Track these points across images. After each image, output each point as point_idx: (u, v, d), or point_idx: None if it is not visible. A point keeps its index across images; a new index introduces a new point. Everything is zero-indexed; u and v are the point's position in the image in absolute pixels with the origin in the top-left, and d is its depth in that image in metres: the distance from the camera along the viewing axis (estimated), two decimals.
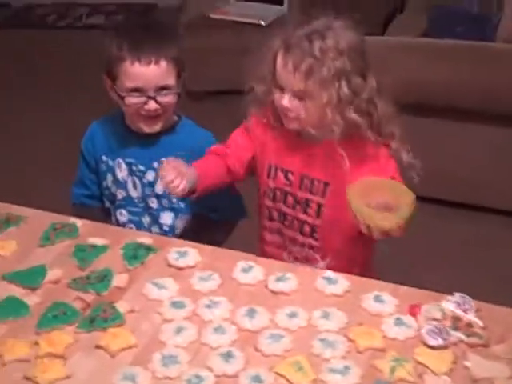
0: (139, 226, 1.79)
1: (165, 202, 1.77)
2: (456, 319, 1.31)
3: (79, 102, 3.72)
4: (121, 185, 1.79)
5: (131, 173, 1.77)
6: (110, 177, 1.80)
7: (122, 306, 1.35)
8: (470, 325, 1.29)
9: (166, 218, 1.79)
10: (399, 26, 3.43)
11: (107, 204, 1.85)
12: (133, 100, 1.66)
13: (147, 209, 1.79)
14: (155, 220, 1.79)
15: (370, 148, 1.55)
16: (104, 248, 1.52)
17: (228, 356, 1.23)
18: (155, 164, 1.73)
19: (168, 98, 1.67)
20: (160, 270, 1.47)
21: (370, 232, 1.42)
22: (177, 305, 1.36)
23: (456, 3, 3.13)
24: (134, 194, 1.78)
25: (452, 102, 2.66)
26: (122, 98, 1.66)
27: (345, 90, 1.48)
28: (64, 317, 1.33)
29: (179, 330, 1.29)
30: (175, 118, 1.79)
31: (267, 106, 1.61)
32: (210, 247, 1.54)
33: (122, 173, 1.78)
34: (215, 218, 1.80)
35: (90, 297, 1.39)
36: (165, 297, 1.38)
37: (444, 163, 2.77)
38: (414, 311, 1.34)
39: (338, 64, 1.46)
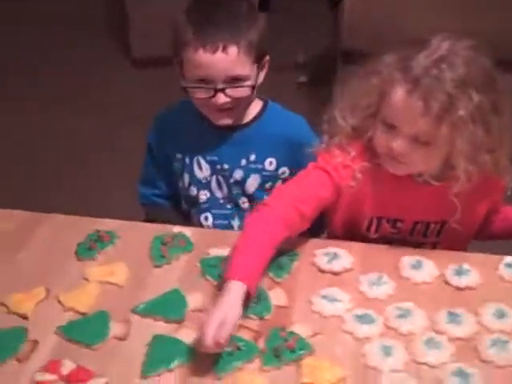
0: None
1: (257, 201, 1.46)
2: None
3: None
4: (203, 185, 1.51)
5: (214, 171, 1.49)
6: (187, 177, 1.52)
7: (300, 330, 1.12)
8: None
9: None
10: None
11: (184, 206, 1.57)
12: (198, 93, 1.37)
13: (237, 210, 1.52)
14: None
15: (487, 183, 1.28)
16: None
17: (463, 375, 1.04)
18: (243, 161, 1.47)
19: (240, 91, 1.37)
20: (313, 277, 1.24)
21: None
22: (362, 319, 1.14)
23: None
24: (219, 194, 1.52)
25: None
26: (183, 87, 1.38)
27: (479, 132, 1.18)
28: (241, 353, 1.08)
29: (387, 351, 1.08)
30: (260, 103, 1.50)
31: (356, 143, 1.29)
32: (359, 244, 1.32)
33: (203, 172, 1.50)
34: None
35: (253, 323, 1.15)
36: (342, 311, 1.17)
37: None
38: None
39: (475, 102, 1.16)
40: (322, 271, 1.26)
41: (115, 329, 1.13)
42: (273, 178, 1.48)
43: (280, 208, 1.23)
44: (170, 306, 1.16)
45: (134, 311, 1.16)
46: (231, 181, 1.49)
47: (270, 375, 1.05)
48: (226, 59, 1.32)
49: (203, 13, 1.36)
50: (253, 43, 1.34)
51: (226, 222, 1.52)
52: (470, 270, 1.24)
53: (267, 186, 1.49)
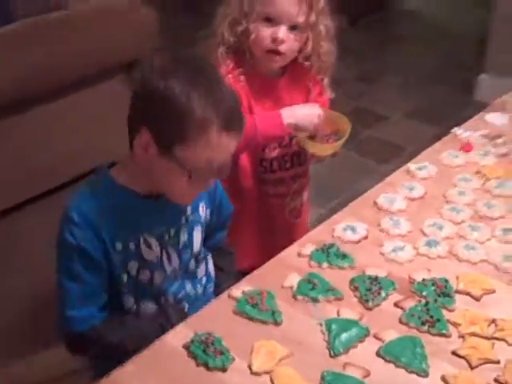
0: (188, 299, 1.42)
1: (199, 256, 1.45)
2: None
3: None
4: (155, 266, 1.34)
5: (164, 245, 1.35)
6: (134, 265, 1.32)
7: (425, 276, 1.32)
8: None
9: (201, 271, 1.46)
10: None
11: (130, 302, 1.35)
12: (201, 175, 1.24)
13: (186, 275, 1.42)
14: (195, 280, 1.45)
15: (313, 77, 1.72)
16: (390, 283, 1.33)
17: None
18: (183, 219, 1.38)
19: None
20: (365, 251, 1.41)
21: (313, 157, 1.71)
22: (431, 243, 1.41)
23: None
24: (169, 268, 1.37)
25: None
26: (189, 170, 1.21)
27: (328, 21, 1.62)
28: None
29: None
30: None
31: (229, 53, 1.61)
32: (342, 213, 1.54)
33: (154, 251, 1.33)
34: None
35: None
36: (411, 253, 1.41)
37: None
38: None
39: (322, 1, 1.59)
40: (358, 241, 1.43)
41: None
42: (205, 224, 1.44)
43: None
44: None
45: None
46: (180, 247, 1.38)
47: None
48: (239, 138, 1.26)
49: (205, 87, 1.19)
50: None
51: (182, 293, 1.41)
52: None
53: (204, 235, 1.44)
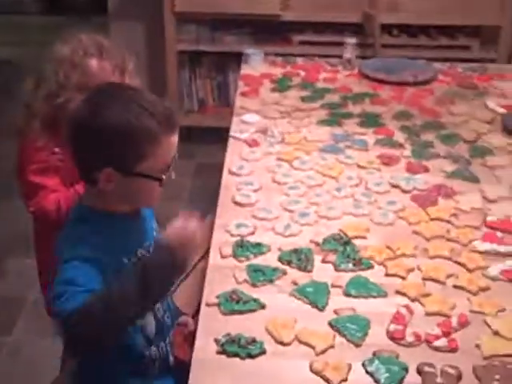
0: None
1: None
2: None
3: None
4: None
5: None
6: None
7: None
8: None
9: None
10: None
11: None
12: (168, 174, 1.36)
13: None
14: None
15: None
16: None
17: None
18: (154, 233, 1.50)
19: None
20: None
21: None
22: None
23: None
24: None
25: None
26: (160, 179, 1.34)
27: (138, 80, 1.82)
28: None
29: None
30: None
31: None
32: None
33: None
34: None
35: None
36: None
37: None
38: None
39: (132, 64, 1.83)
40: (253, 232, 1.69)
41: None
42: None
43: None
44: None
45: None
46: None
47: None
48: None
49: (134, 105, 1.31)
50: None
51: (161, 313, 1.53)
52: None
53: None
